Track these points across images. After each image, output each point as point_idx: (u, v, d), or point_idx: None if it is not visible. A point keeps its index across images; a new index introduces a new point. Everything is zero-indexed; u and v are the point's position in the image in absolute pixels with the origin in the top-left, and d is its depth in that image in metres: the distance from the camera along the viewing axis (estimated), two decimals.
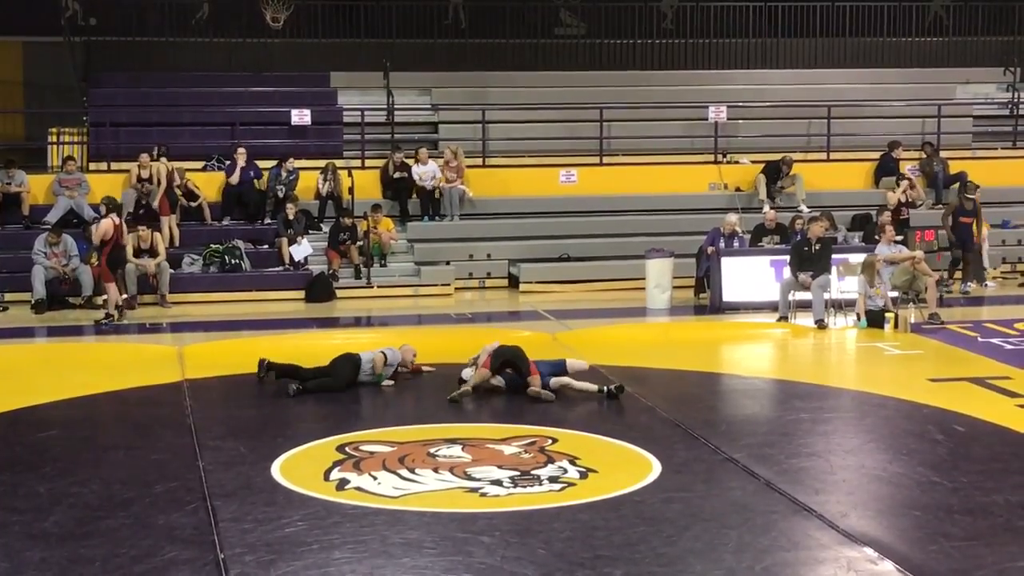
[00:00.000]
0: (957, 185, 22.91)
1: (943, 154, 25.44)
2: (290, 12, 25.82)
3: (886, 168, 25.10)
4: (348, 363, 14.60)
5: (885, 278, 18.72)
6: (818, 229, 19.14)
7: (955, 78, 28.29)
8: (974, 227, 21.84)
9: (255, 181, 23.07)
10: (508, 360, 14.20)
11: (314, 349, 15.96)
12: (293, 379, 14.43)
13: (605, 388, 14.08)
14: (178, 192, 22.51)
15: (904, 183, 23.26)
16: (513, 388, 14.18)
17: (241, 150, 22.86)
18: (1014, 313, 19.70)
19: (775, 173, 24.48)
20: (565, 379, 14.18)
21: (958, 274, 22.07)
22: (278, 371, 14.82)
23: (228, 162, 23.08)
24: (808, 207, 23.54)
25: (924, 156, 25.26)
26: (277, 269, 21.90)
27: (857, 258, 19.64)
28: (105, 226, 19.20)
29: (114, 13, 26.20)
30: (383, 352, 14.78)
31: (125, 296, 20.01)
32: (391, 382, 14.69)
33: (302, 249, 21.72)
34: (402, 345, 15.14)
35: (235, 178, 22.74)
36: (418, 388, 14.71)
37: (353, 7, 27.20)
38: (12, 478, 11.08)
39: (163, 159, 22.48)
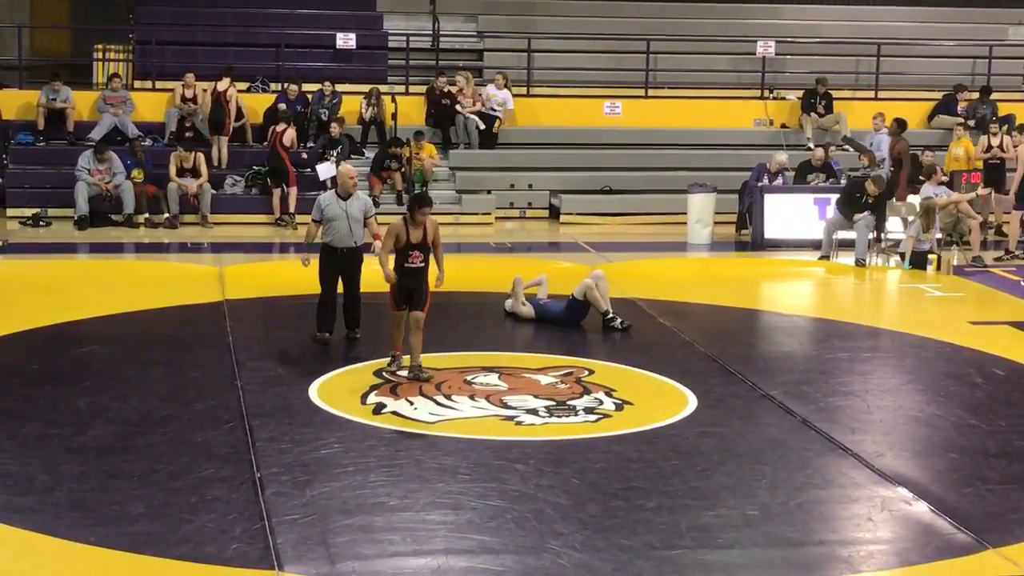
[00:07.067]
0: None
1: (992, 96, 25.07)
2: None
3: (948, 110, 24.70)
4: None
5: (937, 221, 18.56)
6: (874, 189, 18.73)
7: (1007, 19, 27.81)
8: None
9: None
10: None
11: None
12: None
13: (610, 313, 14.02)
14: (233, 114, 22.39)
15: (994, 127, 22.51)
16: (541, 317, 14.23)
17: (293, 87, 22.74)
18: None
19: (811, 97, 24.28)
20: (589, 283, 14.07)
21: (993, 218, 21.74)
22: None
23: (280, 91, 22.92)
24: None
25: (975, 99, 24.76)
26: (319, 192, 21.77)
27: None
28: (291, 134, 21.53)
29: None
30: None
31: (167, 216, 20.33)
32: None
33: (325, 169, 21.29)
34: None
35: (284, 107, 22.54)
36: (456, 316, 14.71)
37: None
38: (52, 392, 11.20)
39: (226, 79, 22.32)
